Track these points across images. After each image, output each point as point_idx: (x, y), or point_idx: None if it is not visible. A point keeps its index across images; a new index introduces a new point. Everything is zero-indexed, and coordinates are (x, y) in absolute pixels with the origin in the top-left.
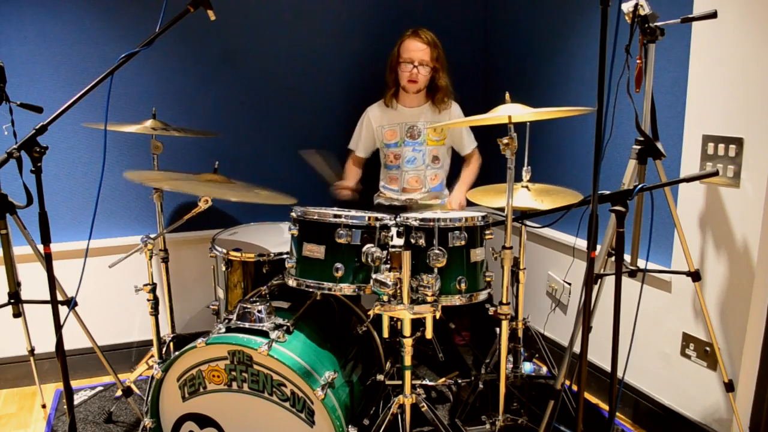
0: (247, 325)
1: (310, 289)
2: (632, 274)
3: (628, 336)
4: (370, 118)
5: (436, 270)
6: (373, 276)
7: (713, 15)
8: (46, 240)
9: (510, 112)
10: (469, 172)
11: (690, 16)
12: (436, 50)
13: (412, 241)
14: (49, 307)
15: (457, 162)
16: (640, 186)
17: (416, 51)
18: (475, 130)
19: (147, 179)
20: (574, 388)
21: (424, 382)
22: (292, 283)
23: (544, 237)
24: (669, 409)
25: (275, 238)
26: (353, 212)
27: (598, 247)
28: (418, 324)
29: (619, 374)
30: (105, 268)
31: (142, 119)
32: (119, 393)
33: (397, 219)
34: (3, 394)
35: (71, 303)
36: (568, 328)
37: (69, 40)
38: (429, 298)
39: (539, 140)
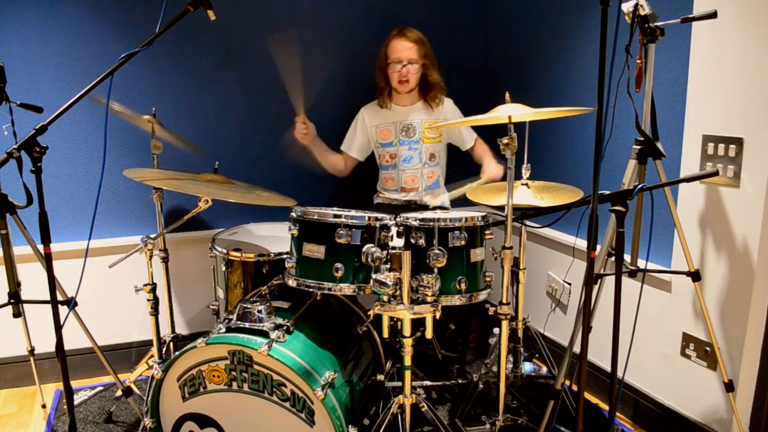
0: (247, 325)
1: (310, 289)
2: (632, 274)
3: (628, 336)
4: (365, 118)
5: (436, 270)
6: (373, 276)
7: (713, 15)
8: (46, 240)
9: (510, 112)
10: (486, 148)
11: (690, 16)
12: (423, 47)
13: (412, 241)
14: (49, 307)
15: (454, 159)
16: (640, 186)
17: (403, 50)
18: (475, 130)
19: (147, 178)
20: (574, 388)
21: (424, 383)
22: (292, 283)
23: (544, 237)
24: (669, 409)
25: (275, 238)
26: (353, 212)
27: (598, 247)
28: (418, 324)
29: (619, 374)
30: (105, 268)
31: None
32: (119, 393)
33: (397, 219)
34: (3, 394)
35: (71, 303)
36: (568, 328)
37: (69, 40)
38: (429, 298)
39: (539, 140)
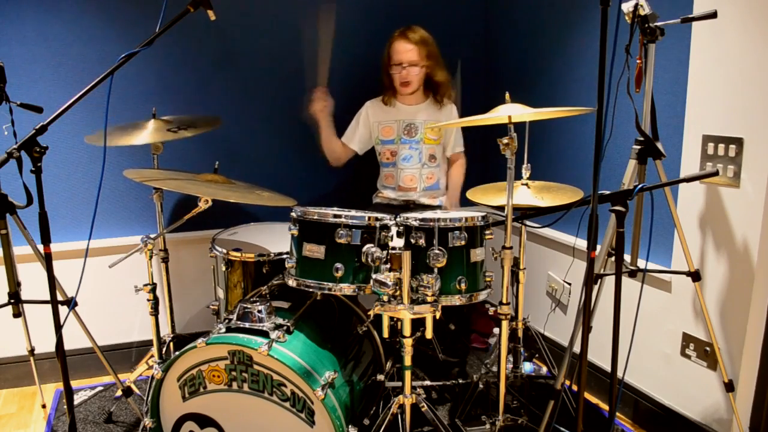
0: (247, 325)
1: (310, 289)
2: (632, 274)
3: (628, 336)
4: (368, 113)
5: (436, 270)
6: (373, 276)
7: (713, 15)
8: (46, 240)
9: (510, 112)
10: (455, 178)
11: (690, 16)
12: (425, 48)
13: (412, 241)
14: (49, 307)
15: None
16: (640, 186)
17: (404, 52)
18: (475, 129)
19: (147, 178)
20: (574, 388)
21: (424, 383)
22: (292, 283)
23: (544, 237)
24: (669, 409)
25: (275, 238)
26: (353, 212)
27: (598, 247)
28: (418, 324)
29: (619, 374)
30: (105, 268)
31: (142, 119)
32: (119, 393)
33: (397, 219)
34: (3, 394)
35: (71, 303)
36: (568, 328)
37: (69, 40)
38: (429, 298)
39: (539, 140)
